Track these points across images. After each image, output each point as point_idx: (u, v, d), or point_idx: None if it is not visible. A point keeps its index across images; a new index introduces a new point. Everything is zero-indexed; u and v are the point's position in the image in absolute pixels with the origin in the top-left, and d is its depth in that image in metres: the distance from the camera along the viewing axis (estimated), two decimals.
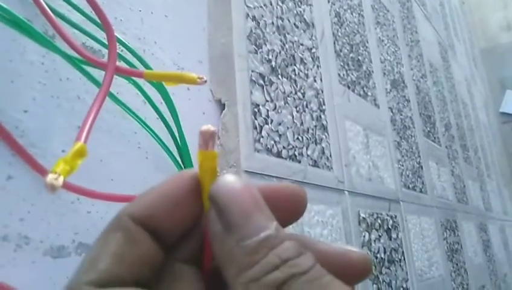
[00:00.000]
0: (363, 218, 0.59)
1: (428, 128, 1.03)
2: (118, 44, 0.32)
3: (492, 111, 2.17)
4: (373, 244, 0.60)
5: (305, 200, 0.15)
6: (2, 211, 0.23)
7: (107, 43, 0.29)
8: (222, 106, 0.41)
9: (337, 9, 0.70)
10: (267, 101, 0.45)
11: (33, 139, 0.26)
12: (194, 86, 0.40)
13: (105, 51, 0.31)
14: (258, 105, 0.44)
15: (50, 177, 0.16)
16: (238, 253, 0.12)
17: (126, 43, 0.32)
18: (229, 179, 0.13)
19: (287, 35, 0.52)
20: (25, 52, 0.27)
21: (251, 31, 0.46)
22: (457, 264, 0.95)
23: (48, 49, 0.27)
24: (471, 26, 2.23)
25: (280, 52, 0.50)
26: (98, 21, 0.30)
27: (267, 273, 0.12)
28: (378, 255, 0.61)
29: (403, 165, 0.80)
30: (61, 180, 0.16)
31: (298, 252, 0.13)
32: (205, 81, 0.26)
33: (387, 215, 0.67)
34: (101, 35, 0.30)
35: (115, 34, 0.26)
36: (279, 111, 0.47)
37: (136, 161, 0.32)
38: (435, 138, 1.06)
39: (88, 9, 0.30)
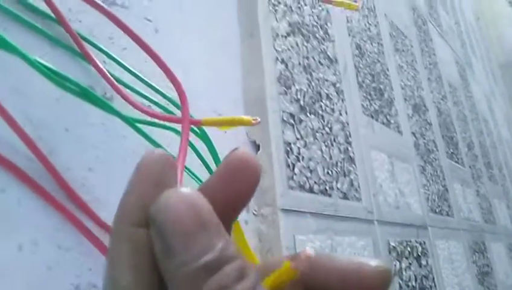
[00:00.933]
0: (393, 247, 0.60)
1: (451, 150, 1.03)
2: (162, 97, 0.35)
3: None
4: (404, 273, 0.60)
5: (255, 166, 0.14)
6: (75, 263, 0.26)
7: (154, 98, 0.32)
8: (257, 147, 0.44)
9: (358, 42, 0.72)
10: (297, 139, 0.47)
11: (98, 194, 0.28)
12: (230, 130, 0.42)
13: (154, 107, 0.34)
14: (290, 143, 0.46)
15: None
16: (178, 277, 0.12)
17: (169, 96, 0.35)
18: (169, 196, 0.12)
19: (312, 73, 0.55)
20: (87, 115, 0.30)
21: (280, 73, 0.48)
22: (488, 288, 0.93)
23: (107, 112, 0.30)
24: (488, 42, 2.22)
25: (307, 91, 0.52)
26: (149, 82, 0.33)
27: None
28: (410, 284, 0.61)
29: (428, 190, 0.81)
30: None
31: (238, 277, 0.12)
32: (259, 122, 0.27)
33: (416, 241, 0.68)
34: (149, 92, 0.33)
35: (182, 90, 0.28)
36: (309, 147, 0.49)
37: None
38: (458, 159, 1.06)
39: (138, 69, 0.33)
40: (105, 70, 0.30)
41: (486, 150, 1.39)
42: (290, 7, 0.55)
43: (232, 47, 0.47)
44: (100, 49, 0.31)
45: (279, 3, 0.53)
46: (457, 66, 1.43)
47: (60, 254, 0.25)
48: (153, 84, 0.33)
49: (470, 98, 1.44)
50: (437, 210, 0.81)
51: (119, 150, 0.31)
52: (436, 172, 0.88)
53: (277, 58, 0.49)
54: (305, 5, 0.59)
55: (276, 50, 0.49)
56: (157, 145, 0.33)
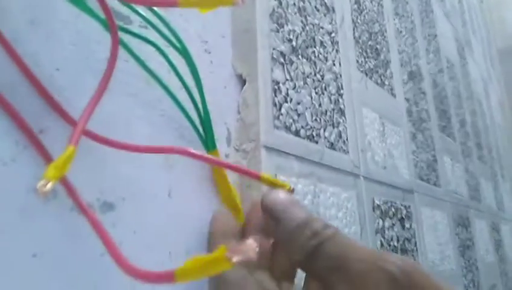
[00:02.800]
0: (378, 205, 0.59)
1: (444, 123, 1.02)
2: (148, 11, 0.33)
3: (509, 113, 2.14)
4: (386, 231, 0.60)
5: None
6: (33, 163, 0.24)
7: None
8: (243, 81, 0.42)
9: None
10: (287, 79, 0.45)
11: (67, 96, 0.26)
12: (217, 61, 0.40)
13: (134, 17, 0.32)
14: (278, 83, 0.44)
15: (40, 184, 0.18)
16: (286, 236, 0.21)
17: (156, 10, 0.32)
18: (274, 193, 0.24)
19: (308, 17, 0.52)
20: (59, 10, 0.27)
21: (273, 9, 0.46)
22: (468, 261, 0.94)
23: (81, 10, 0.27)
24: (489, 25, 2.19)
25: (301, 33, 0.50)
26: None
27: (306, 241, 0.19)
28: (392, 243, 0.60)
29: (417, 157, 0.80)
30: (50, 186, 0.18)
31: (324, 226, 0.20)
32: (243, 1, 0.25)
33: (401, 205, 0.67)
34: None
35: None
36: (299, 91, 0.47)
37: (159, 127, 0.32)
38: (450, 133, 1.05)
39: None
40: None
41: (478, 130, 1.38)
42: None
43: None
44: None
45: None
46: (457, 43, 1.41)
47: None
48: None
49: (467, 77, 1.43)
50: (424, 178, 0.80)
51: (91, 55, 0.29)
52: (427, 141, 0.87)
53: None
54: None
55: None
56: (135, 56, 0.31)
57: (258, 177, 0.31)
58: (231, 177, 0.37)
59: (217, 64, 0.40)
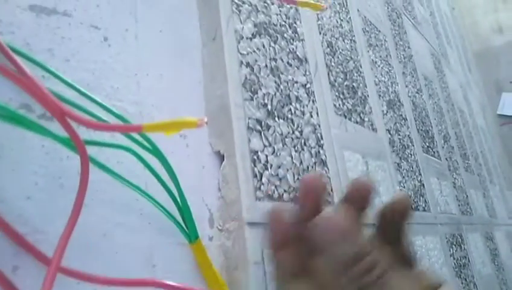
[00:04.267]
0: None
1: (427, 144, 1.03)
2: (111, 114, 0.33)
3: (490, 114, 2.18)
4: None
5: (370, 189, 0.21)
6: None
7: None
8: (222, 157, 0.42)
9: (329, 39, 0.71)
10: (265, 146, 0.46)
11: (37, 225, 0.26)
12: (193, 143, 0.40)
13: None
14: (257, 152, 0.44)
15: None
16: (336, 267, 0.19)
17: (112, 110, 0.32)
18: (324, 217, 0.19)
19: (281, 75, 0.53)
20: (25, 138, 0.27)
21: (246, 78, 0.46)
22: (466, 279, 0.94)
23: (45, 136, 0.27)
24: (463, 31, 2.24)
25: (275, 94, 0.51)
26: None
27: (358, 277, 0.18)
28: None
29: (404, 187, 0.80)
30: None
31: (369, 268, 0.18)
32: (206, 122, 0.25)
33: None
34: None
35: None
36: (278, 154, 0.47)
37: (139, 229, 0.32)
38: (434, 152, 1.06)
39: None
40: (42, 88, 0.27)
41: (462, 141, 1.40)
42: (256, 6, 0.53)
43: (193, 53, 0.45)
44: (37, 63, 0.29)
45: (243, 3, 0.50)
46: (433, 58, 1.44)
47: None
48: (97, 99, 0.31)
49: (446, 89, 1.45)
50: (413, 206, 0.81)
51: (62, 173, 0.28)
52: (412, 167, 0.88)
53: (241, 62, 0.47)
54: (272, 3, 0.56)
55: (240, 53, 0.47)
56: (101, 166, 0.30)
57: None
58: (217, 260, 0.37)
59: (194, 146, 0.40)
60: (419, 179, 0.89)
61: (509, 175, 2.10)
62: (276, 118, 0.49)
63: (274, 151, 0.47)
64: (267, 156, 0.45)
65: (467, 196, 1.22)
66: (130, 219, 0.32)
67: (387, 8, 1.11)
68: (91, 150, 0.29)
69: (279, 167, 0.47)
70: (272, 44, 0.53)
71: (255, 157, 0.44)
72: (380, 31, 0.97)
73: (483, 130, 1.87)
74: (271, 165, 0.45)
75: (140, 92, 0.36)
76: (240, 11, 0.49)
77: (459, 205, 1.10)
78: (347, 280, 0.19)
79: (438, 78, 1.39)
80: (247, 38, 0.49)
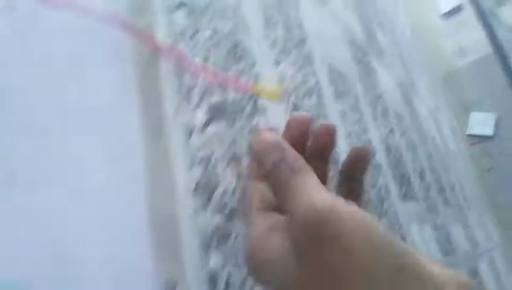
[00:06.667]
0: None
1: (405, 189, 0.99)
2: None
3: (460, 135, 2.20)
4: None
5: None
6: None
7: None
8: (173, 285, 0.35)
9: (294, 101, 0.65)
10: (223, 265, 0.39)
11: None
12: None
13: None
14: (215, 271, 0.37)
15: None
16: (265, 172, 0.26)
17: None
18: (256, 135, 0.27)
19: (242, 161, 0.47)
20: None
21: (197, 183, 0.40)
22: None
23: None
24: (426, 54, 2.28)
25: (235, 190, 0.44)
26: None
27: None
28: None
29: None
30: None
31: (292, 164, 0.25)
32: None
33: None
34: None
35: None
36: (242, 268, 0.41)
37: None
38: (412, 195, 1.02)
39: None
40: None
41: (437, 173, 1.38)
42: (209, 88, 0.47)
43: (133, 157, 0.38)
44: None
45: (193, 88, 0.44)
46: (401, 90, 1.42)
47: None
48: None
49: (417, 120, 1.44)
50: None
51: None
52: (392, 220, 0.83)
53: (193, 161, 0.40)
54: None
55: (191, 150, 0.40)
56: None
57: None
58: None
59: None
60: (400, 233, 0.84)
61: (482, 194, 2.12)
62: (237, 221, 0.42)
63: (236, 264, 0.40)
64: (230, 273, 0.38)
65: (448, 233, 1.18)
66: None
67: (353, 48, 1.08)
68: None
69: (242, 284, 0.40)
70: (230, 128, 0.47)
71: (215, 277, 0.37)
72: (347, 77, 0.94)
73: (455, 155, 1.88)
74: (233, 285, 0.38)
75: (63, 225, 0.29)
76: (189, 96, 0.43)
77: (440, 249, 1.06)
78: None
79: (408, 110, 1.38)
80: (199, 128, 0.43)
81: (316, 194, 0.21)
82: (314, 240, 0.20)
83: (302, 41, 0.78)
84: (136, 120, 0.39)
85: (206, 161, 0.42)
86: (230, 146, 0.46)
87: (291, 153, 0.25)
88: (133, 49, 0.40)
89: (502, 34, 2.21)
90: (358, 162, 0.29)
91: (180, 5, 0.49)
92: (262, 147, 0.26)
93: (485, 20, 2.24)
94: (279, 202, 0.24)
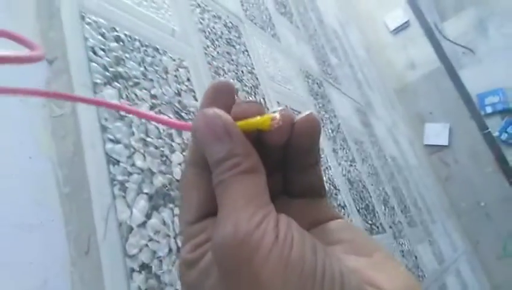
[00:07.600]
0: None
1: (370, 221, 0.97)
2: None
3: (419, 147, 2.26)
4: None
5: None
6: None
7: None
8: None
9: None
10: None
11: None
12: None
13: None
14: None
15: None
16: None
17: None
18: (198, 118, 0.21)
19: None
20: None
21: None
22: None
23: None
24: (380, 71, 2.34)
25: None
26: None
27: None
28: None
29: None
30: None
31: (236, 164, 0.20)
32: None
33: None
34: None
35: None
36: None
37: None
38: (378, 226, 1.01)
39: None
40: None
41: (400, 193, 1.39)
42: (149, 170, 0.42)
43: (59, 276, 0.32)
44: None
45: (130, 174, 0.39)
46: (359, 114, 1.43)
47: None
48: None
49: (376, 143, 1.44)
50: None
51: None
52: None
53: (132, 270, 0.35)
54: (173, 151, 0.46)
55: (129, 257, 0.35)
56: None
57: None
58: None
59: None
60: None
61: (445, 203, 2.17)
62: None
63: None
64: None
65: (416, 257, 1.18)
66: None
67: (308, 82, 1.07)
68: None
69: None
70: (175, 213, 0.42)
71: None
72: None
73: (416, 168, 1.91)
74: None
75: None
76: (125, 190, 0.38)
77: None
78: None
79: (367, 134, 1.38)
80: (138, 226, 0.38)
81: (245, 211, 0.17)
82: (228, 269, 0.17)
83: (255, 87, 0.75)
84: (61, 231, 0.34)
85: (149, 266, 0.37)
86: (174, 243, 0.41)
87: (241, 147, 0.19)
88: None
89: (447, 48, 2.30)
90: (307, 135, 0.21)
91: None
92: (207, 133, 0.20)
93: (431, 34, 2.33)
94: (218, 206, 0.19)
